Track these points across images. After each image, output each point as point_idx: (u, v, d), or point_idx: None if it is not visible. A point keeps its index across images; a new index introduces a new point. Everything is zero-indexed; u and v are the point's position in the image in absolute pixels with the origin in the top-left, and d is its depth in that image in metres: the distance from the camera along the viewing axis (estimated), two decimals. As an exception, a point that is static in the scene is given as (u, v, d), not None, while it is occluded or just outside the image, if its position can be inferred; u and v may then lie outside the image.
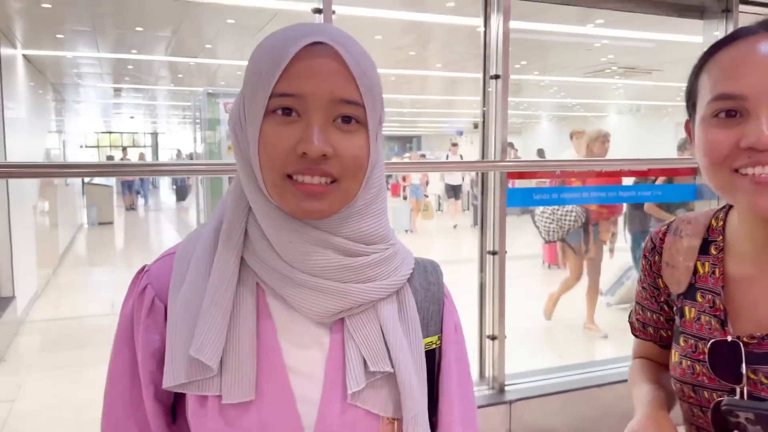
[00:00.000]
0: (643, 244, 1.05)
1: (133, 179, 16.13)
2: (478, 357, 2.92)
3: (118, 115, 20.10)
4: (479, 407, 2.74)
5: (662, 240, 1.00)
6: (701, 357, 0.88)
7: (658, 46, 7.60)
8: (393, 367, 0.74)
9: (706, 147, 0.81)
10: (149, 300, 0.75)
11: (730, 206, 0.96)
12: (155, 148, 27.18)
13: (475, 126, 21.14)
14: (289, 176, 0.69)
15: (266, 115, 0.68)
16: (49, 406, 3.68)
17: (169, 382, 0.70)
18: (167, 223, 14.00)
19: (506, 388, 2.90)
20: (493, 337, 2.87)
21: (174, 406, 0.80)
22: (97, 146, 26.72)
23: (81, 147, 22.78)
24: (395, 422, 0.76)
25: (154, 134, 27.43)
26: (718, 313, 0.89)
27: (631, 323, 1.11)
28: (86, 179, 13.99)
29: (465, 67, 9.39)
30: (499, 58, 2.69)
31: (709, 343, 0.86)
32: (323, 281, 0.71)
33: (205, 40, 7.34)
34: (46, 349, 4.88)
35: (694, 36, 3.49)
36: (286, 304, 0.74)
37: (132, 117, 20.61)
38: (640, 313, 1.07)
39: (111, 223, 12.80)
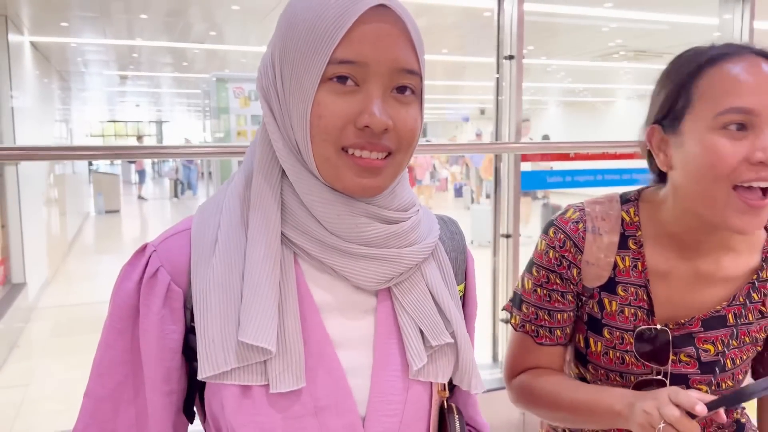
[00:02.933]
0: (546, 241, 1.02)
1: (139, 166, 16.12)
2: (491, 341, 2.91)
3: (122, 104, 20.09)
4: (492, 391, 2.73)
5: (583, 239, 1.00)
6: (629, 348, 0.96)
7: (672, 29, 7.50)
8: (452, 337, 0.73)
9: (715, 158, 0.83)
10: (164, 285, 0.66)
11: (636, 200, 1.00)
12: (160, 137, 27.10)
13: (482, 112, 21.03)
14: (343, 149, 0.65)
15: (320, 83, 0.62)
16: (62, 390, 3.70)
17: (210, 371, 0.63)
18: (176, 213, 14.03)
19: (520, 371, 2.90)
20: (506, 321, 2.86)
21: (186, 406, 0.73)
22: (102, 135, 26.67)
23: (87, 136, 22.77)
24: (446, 383, 0.75)
25: (159, 123, 27.36)
26: (642, 304, 0.96)
27: (529, 332, 1.04)
28: (93, 167, 14.02)
29: (471, 51, 9.30)
30: (514, 38, 2.66)
31: (635, 331, 0.94)
32: (377, 250, 0.68)
33: (209, 26, 7.29)
34: (57, 334, 4.91)
35: (709, 18, 3.44)
36: (323, 274, 0.70)
37: (138, 105, 20.61)
38: (546, 318, 1.03)
39: (117, 211, 12.84)
